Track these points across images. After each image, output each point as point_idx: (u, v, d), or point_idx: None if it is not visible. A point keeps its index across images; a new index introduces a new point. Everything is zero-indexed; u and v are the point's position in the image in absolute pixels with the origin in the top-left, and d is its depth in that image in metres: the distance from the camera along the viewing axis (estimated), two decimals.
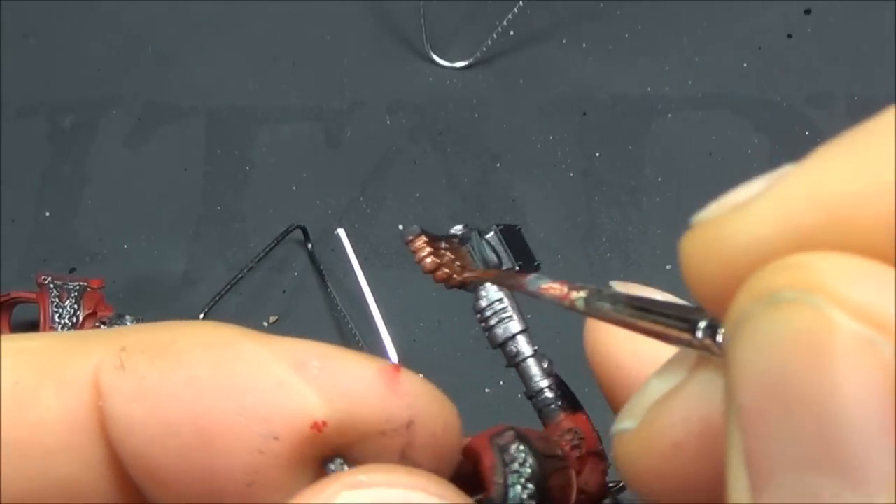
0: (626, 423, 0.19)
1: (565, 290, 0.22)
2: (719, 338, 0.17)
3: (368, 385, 0.19)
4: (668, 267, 0.86)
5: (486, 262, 0.42)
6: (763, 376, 0.14)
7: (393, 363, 0.20)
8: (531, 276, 0.25)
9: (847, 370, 0.14)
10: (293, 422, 0.18)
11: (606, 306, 0.21)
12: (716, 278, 0.17)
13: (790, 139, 0.92)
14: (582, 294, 0.22)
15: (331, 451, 0.19)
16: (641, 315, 0.20)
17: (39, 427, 0.18)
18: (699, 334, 0.18)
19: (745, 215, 0.17)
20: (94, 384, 0.19)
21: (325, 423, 0.18)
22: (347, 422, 0.19)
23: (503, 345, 0.45)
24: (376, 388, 0.19)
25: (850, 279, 0.14)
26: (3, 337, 0.20)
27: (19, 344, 0.19)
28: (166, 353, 0.18)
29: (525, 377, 0.43)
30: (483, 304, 0.44)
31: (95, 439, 0.19)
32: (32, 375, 0.19)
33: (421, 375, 0.20)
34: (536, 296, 0.24)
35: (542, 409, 0.43)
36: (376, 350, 0.80)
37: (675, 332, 0.18)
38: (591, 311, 0.21)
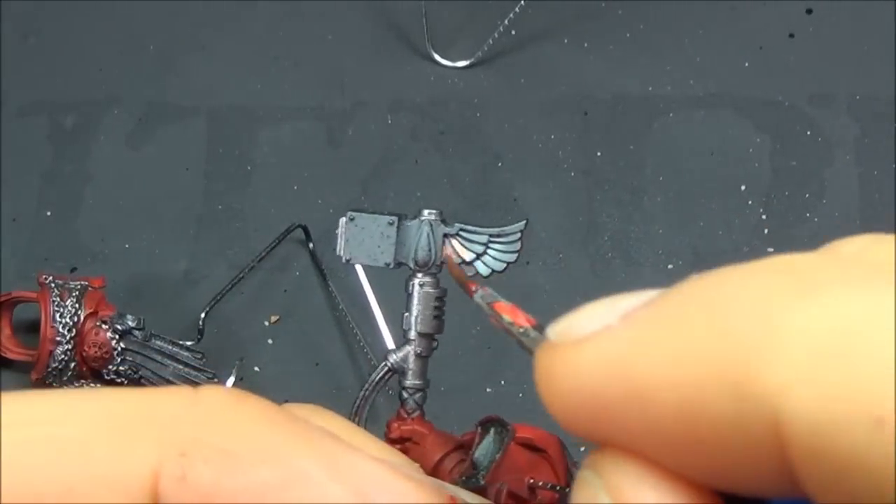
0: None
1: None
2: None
3: None
4: (669, 266, 0.86)
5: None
6: None
7: (449, 495, 0.20)
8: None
9: None
10: None
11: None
12: (561, 400, 0.18)
13: (792, 139, 0.92)
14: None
15: None
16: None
17: None
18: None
19: (574, 357, 0.18)
20: (153, 490, 0.18)
21: None
22: None
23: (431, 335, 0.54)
24: None
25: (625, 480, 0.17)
26: (34, 411, 0.18)
27: (60, 432, 0.18)
28: (230, 467, 0.18)
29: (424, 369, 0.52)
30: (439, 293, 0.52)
31: None
32: (86, 475, 0.18)
33: (468, 495, 0.21)
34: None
35: (420, 406, 0.52)
36: (377, 350, 0.80)
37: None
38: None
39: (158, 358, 0.79)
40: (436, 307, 0.54)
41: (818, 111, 0.93)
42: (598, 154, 0.93)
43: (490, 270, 0.53)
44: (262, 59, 1.00)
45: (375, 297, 0.82)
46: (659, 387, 0.17)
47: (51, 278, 0.80)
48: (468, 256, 0.53)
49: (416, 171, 0.93)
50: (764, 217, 0.88)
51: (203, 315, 0.83)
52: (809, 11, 0.99)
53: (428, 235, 0.54)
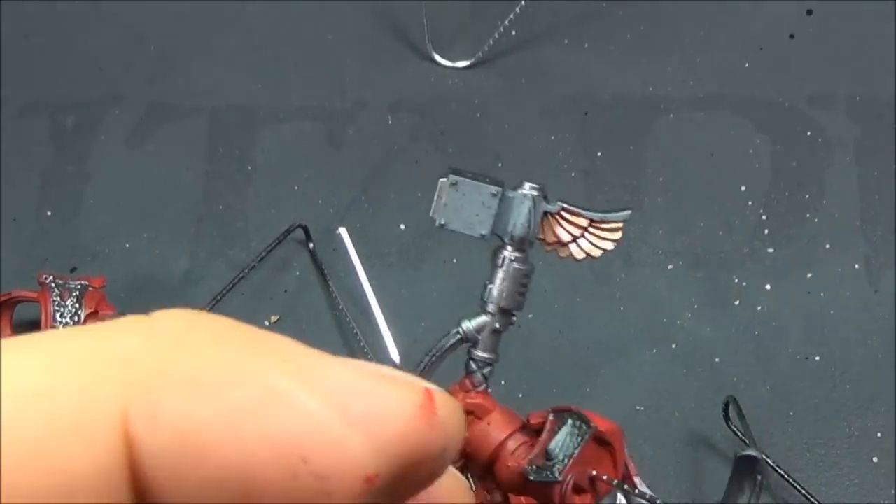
0: None
1: None
2: None
3: (411, 426, 0.18)
4: (669, 267, 0.86)
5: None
6: None
7: (425, 387, 0.19)
8: None
9: None
10: (348, 479, 0.17)
11: None
12: None
13: (792, 140, 0.92)
14: None
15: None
16: None
17: (69, 487, 0.16)
18: None
19: None
20: (124, 433, 0.17)
21: (377, 475, 0.17)
22: (394, 467, 0.18)
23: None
24: (418, 428, 0.18)
25: None
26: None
27: (22, 382, 0.17)
28: (199, 395, 0.17)
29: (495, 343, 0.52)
30: (528, 268, 0.51)
31: (128, 492, 0.17)
32: (52, 428, 0.16)
33: (440, 389, 0.19)
34: None
35: (486, 380, 0.51)
36: (377, 350, 0.80)
37: None
38: None
39: None
40: (522, 284, 0.52)
41: (818, 111, 0.93)
42: (599, 154, 0.93)
43: (584, 255, 0.51)
44: (262, 59, 1.00)
45: (376, 297, 0.82)
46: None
47: (51, 278, 0.80)
48: (565, 237, 0.51)
49: (416, 171, 0.93)
50: (764, 217, 0.88)
51: None
52: (809, 12, 0.99)
53: (529, 211, 0.51)
